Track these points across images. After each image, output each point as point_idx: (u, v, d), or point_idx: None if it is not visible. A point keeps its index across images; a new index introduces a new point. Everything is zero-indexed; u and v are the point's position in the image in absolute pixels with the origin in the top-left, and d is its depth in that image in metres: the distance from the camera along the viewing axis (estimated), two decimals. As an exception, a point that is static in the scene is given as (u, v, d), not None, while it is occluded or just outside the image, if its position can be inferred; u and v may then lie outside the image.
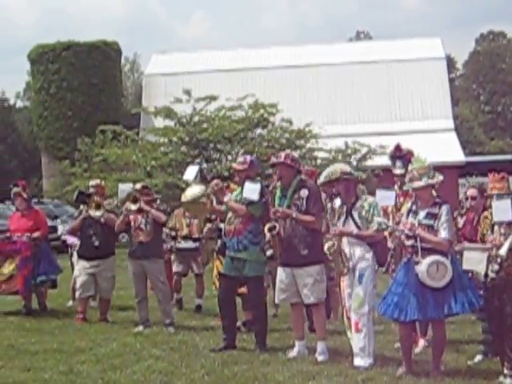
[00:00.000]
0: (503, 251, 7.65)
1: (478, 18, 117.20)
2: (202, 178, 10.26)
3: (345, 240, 8.61)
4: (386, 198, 9.12)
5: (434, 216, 7.91)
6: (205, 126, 26.54)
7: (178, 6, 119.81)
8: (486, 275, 7.97)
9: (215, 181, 9.81)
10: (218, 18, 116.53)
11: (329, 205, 9.21)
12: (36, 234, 12.55)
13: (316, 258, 8.84)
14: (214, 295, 10.20)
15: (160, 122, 29.22)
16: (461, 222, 9.53)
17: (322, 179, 9.09)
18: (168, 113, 27.19)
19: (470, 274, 8.10)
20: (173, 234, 12.77)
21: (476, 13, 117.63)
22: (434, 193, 8.11)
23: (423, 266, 7.74)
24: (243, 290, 9.96)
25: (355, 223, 8.52)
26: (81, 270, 12.07)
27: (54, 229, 23.59)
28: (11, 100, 60.89)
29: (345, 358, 8.70)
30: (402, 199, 9.47)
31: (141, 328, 10.94)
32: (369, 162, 27.95)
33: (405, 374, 7.96)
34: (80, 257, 12.19)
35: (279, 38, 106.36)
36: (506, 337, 7.77)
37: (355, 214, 8.54)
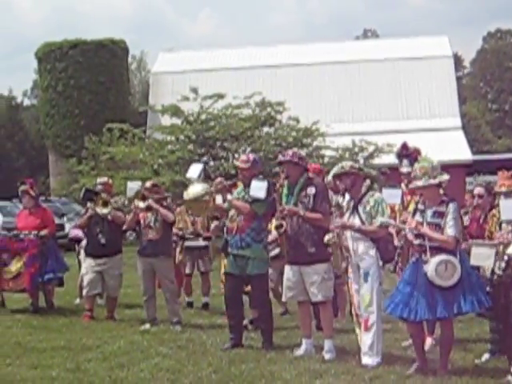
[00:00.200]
0: (511, 250, 7.64)
1: (485, 16, 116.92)
2: (206, 176, 10.24)
3: (348, 235, 8.61)
4: (392, 196, 9.11)
5: (440, 214, 7.88)
6: (212, 124, 26.50)
7: (185, 3, 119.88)
8: (493, 272, 7.96)
9: (219, 179, 9.82)
10: (225, 15, 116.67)
11: (335, 200, 9.22)
12: (43, 232, 12.57)
13: (323, 256, 8.83)
14: (222, 293, 10.19)
15: (167, 120, 29.20)
16: (465, 219, 9.51)
17: (331, 174, 9.07)
18: (175, 111, 27.15)
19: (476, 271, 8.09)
20: (180, 233, 12.75)
21: (483, 11, 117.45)
22: (441, 191, 8.09)
23: (431, 265, 7.72)
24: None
25: (360, 218, 8.52)
26: (88, 267, 12.08)
27: (62, 227, 23.66)
28: (18, 98, 61.18)
29: (352, 357, 8.69)
30: (408, 197, 9.45)
31: (147, 326, 10.95)
32: (376, 161, 27.90)
33: (419, 370, 7.92)
34: (87, 255, 12.22)
35: (286, 36, 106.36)
36: (513, 334, 7.77)
37: (361, 209, 8.53)
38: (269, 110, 27.17)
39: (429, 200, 8.02)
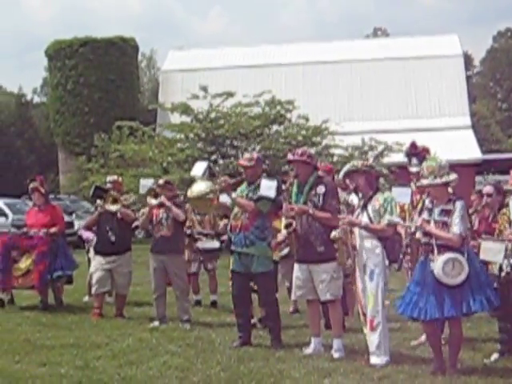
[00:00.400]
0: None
1: (495, 15, 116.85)
2: (211, 174, 10.26)
3: (356, 233, 8.58)
4: (402, 195, 9.07)
5: (448, 212, 7.85)
6: (221, 122, 26.55)
7: (195, 1, 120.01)
8: (501, 269, 7.93)
9: (223, 177, 9.83)
10: (235, 14, 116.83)
11: (343, 198, 9.21)
12: (53, 230, 12.59)
13: (332, 255, 8.79)
14: (230, 291, 10.19)
15: (176, 118, 29.25)
16: (472, 218, 9.49)
17: (342, 172, 9.04)
18: (185, 109, 27.21)
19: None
20: (188, 232, 12.60)
21: (493, 10, 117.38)
22: (450, 190, 8.07)
23: (438, 263, 7.69)
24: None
25: (368, 216, 8.50)
26: (97, 265, 12.08)
27: (71, 224, 23.71)
28: (28, 96, 61.34)
29: (361, 356, 8.67)
30: (418, 196, 9.42)
31: (156, 323, 10.95)
32: (385, 159, 27.87)
33: (437, 370, 7.89)
34: (96, 252, 12.21)
35: (296, 35, 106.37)
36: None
37: (370, 207, 8.51)
38: (278, 108, 27.20)
39: (436, 199, 8.00)
